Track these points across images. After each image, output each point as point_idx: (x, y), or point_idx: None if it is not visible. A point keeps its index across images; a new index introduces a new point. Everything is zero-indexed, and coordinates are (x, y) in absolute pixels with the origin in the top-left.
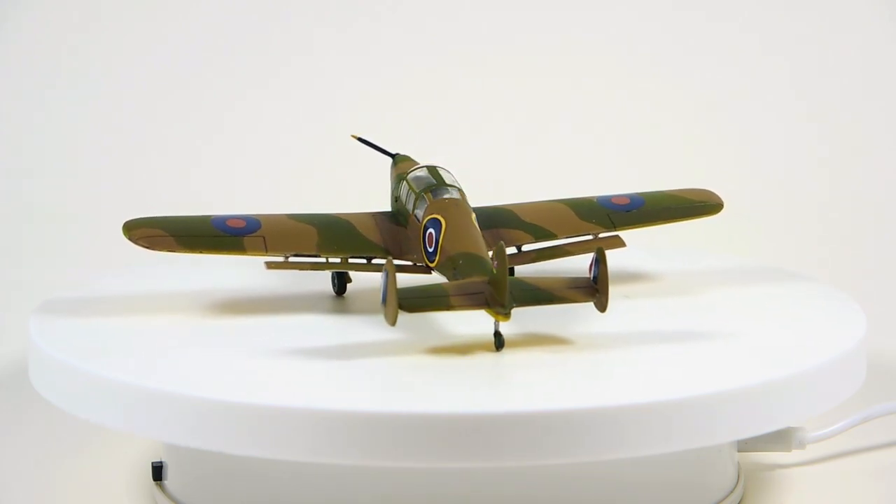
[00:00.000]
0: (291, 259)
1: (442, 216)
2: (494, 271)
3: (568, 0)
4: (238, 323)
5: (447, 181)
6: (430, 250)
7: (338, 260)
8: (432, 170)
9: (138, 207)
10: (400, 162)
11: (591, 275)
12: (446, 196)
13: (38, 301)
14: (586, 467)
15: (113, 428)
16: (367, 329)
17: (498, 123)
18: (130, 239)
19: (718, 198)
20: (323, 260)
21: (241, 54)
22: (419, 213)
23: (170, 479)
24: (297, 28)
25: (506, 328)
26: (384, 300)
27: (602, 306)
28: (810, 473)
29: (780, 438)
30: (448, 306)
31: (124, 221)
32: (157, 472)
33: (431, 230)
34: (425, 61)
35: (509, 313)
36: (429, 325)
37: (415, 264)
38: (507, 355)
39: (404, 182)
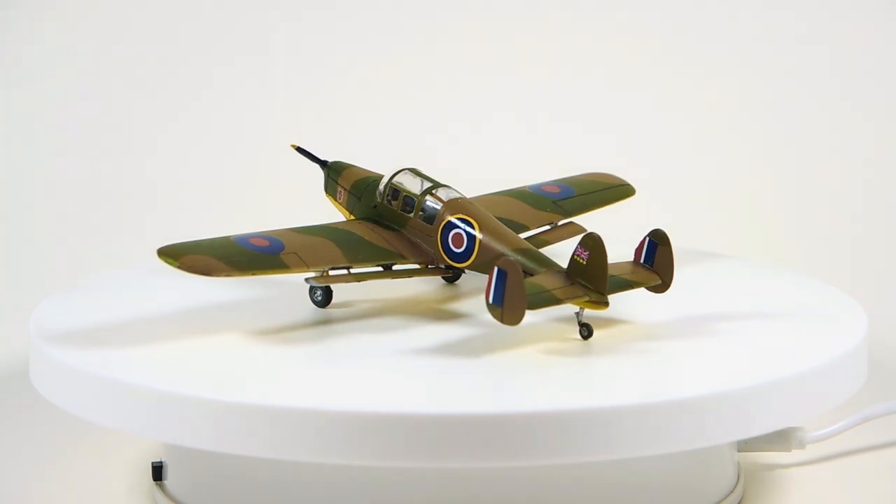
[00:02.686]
0: (331, 273)
1: (468, 216)
2: (583, 261)
3: None
4: (237, 323)
5: (441, 181)
6: (459, 251)
7: (371, 269)
8: (415, 171)
9: (138, 207)
10: (346, 168)
11: (641, 257)
12: (457, 196)
13: (38, 301)
14: (585, 468)
15: (113, 428)
16: (363, 332)
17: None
18: (181, 268)
19: (622, 179)
20: (362, 270)
21: (229, 52)
22: (428, 214)
23: (170, 479)
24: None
25: (505, 333)
26: (499, 301)
27: (666, 287)
28: (810, 473)
29: (780, 438)
30: (556, 300)
31: (157, 249)
32: (157, 472)
33: (458, 230)
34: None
35: (608, 301)
36: (422, 326)
37: (426, 266)
38: (504, 357)
39: (390, 186)
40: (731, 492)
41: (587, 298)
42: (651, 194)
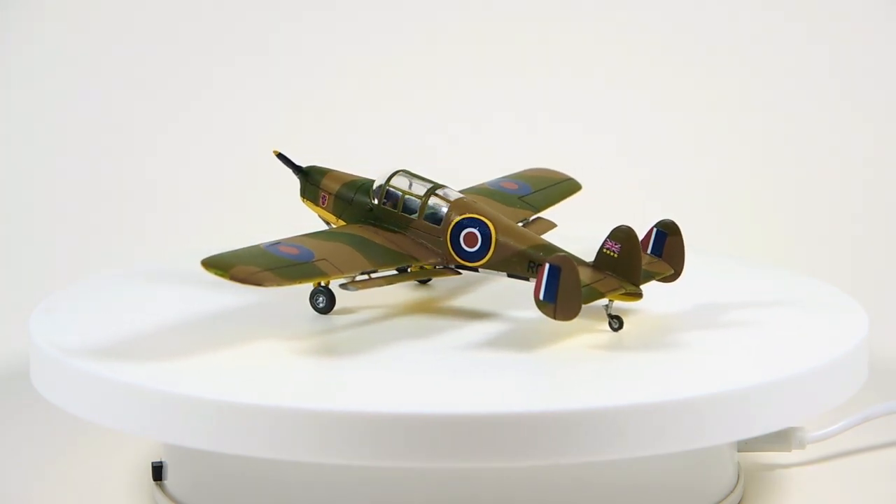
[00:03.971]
0: (359, 278)
1: (479, 215)
2: (615, 254)
3: None
4: (237, 323)
5: (437, 181)
6: (472, 250)
7: (389, 273)
8: (409, 172)
9: (138, 207)
10: (327, 172)
11: (649, 248)
12: (460, 195)
13: (38, 301)
14: (585, 468)
15: (113, 428)
16: (362, 332)
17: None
18: (233, 279)
19: (566, 174)
20: (383, 274)
21: (229, 52)
22: (434, 215)
23: (170, 479)
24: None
25: (503, 333)
26: (552, 297)
27: (677, 276)
28: (810, 473)
29: (780, 438)
30: (599, 294)
31: (202, 261)
32: (157, 472)
33: (471, 230)
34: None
35: (642, 292)
36: (421, 327)
37: (435, 266)
38: (504, 357)
39: (386, 189)
40: (731, 492)
41: (623, 291)
42: (651, 194)
